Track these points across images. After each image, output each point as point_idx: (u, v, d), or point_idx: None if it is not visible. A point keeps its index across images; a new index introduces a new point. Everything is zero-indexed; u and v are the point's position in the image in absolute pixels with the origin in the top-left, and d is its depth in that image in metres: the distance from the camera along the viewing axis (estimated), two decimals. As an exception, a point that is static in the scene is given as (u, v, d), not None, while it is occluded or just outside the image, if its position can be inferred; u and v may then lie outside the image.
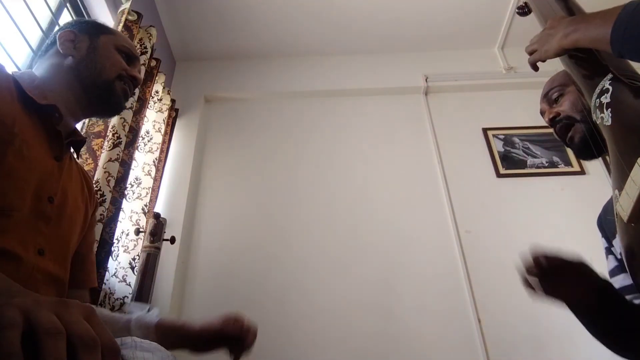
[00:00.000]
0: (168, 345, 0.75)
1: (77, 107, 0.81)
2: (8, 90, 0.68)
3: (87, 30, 0.85)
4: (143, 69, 1.70)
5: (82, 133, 1.38)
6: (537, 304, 1.78)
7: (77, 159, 0.88)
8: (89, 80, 0.80)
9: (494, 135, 2.28)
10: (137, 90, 1.60)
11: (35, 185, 0.66)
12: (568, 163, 2.18)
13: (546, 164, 2.19)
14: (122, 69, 0.85)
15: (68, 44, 0.82)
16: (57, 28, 0.89)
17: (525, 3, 1.04)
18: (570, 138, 0.92)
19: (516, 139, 2.27)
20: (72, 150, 0.83)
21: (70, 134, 0.80)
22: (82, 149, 1.34)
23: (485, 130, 2.29)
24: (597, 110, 0.73)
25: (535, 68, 0.87)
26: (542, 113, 1.03)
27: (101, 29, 0.88)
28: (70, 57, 0.81)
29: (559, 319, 1.74)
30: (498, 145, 2.25)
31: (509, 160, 2.20)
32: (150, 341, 0.71)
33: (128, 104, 1.52)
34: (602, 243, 1.00)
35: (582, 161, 2.16)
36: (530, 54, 0.86)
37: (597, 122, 0.74)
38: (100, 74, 0.82)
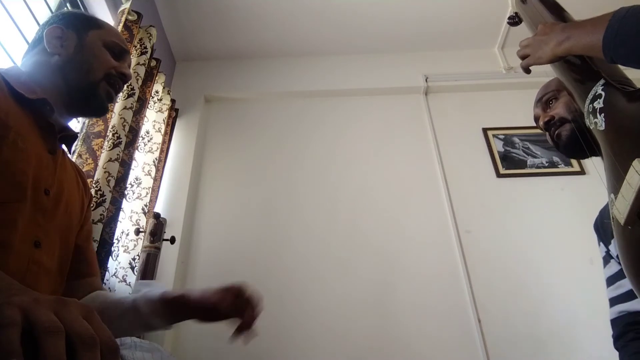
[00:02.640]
0: (173, 317, 0.75)
1: (62, 106, 0.80)
2: None
3: (75, 25, 0.83)
4: (143, 69, 1.70)
5: (82, 133, 1.38)
6: (536, 303, 1.79)
7: (69, 155, 0.87)
8: (75, 81, 0.79)
9: (494, 135, 2.28)
10: (136, 90, 1.61)
11: (32, 177, 0.66)
12: (568, 163, 2.18)
13: (546, 164, 2.19)
14: (110, 68, 0.83)
15: (55, 41, 0.80)
16: (42, 24, 0.86)
17: (516, 13, 1.04)
18: (558, 135, 0.93)
19: (516, 139, 2.27)
20: (64, 146, 0.83)
21: (62, 129, 0.80)
22: (82, 149, 1.34)
23: (485, 130, 2.29)
24: (591, 115, 0.73)
25: (528, 71, 0.88)
26: (537, 118, 1.03)
27: (89, 23, 0.85)
28: (57, 56, 0.79)
29: (559, 319, 1.74)
30: (498, 145, 2.25)
31: (509, 160, 2.20)
32: (156, 316, 0.72)
33: (128, 104, 1.53)
34: (600, 250, 0.99)
35: (582, 161, 2.17)
36: (522, 58, 0.87)
37: (591, 127, 0.74)
38: (87, 75, 0.80)
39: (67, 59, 0.79)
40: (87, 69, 0.80)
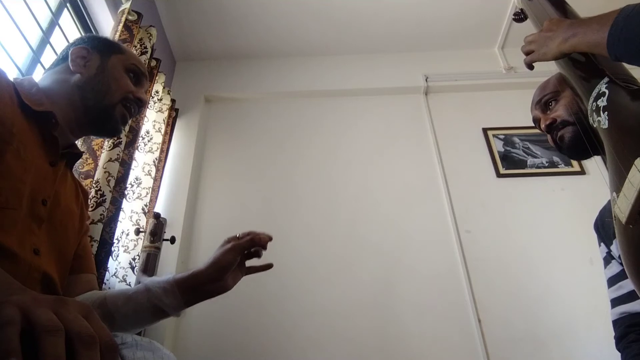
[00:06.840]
0: (187, 297, 0.75)
1: (75, 125, 0.81)
2: (9, 94, 0.69)
3: (99, 48, 0.85)
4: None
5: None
6: (536, 303, 1.79)
7: (72, 172, 0.88)
8: (92, 101, 0.80)
9: (494, 135, 2.28)
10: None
11: (31, 186, 0.67)
12: (568, 163, 2.18)
13: (546, 164, 2.19)
14: (128, 92, 0.85)
15: (79, 60, 0.82)
16: (68, 44, 0.89)
17: (522, 9, 1.04)
18: (560, 137, 0.92)
19: (516, 139, 2.27)
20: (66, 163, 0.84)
21: (68, 146, 0.81)
22: (82, 149, 1.34)
23: (485, 130, 2.29)
24: (594, 113, 0.73)
25: (531, 67, 0.87)
26: (536, 120, 1.02)
27: (113, 48, 0.87)
28: (79, 75, 0.81)
29: (559, 318, 1.74)
30: (498, 145, 2.25)
31: (509, 160, 2.20)
32: (169, 295, 0.72)
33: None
34: (600, 250, 0.99)
35: (582, 161, 2.17)
36: (527, 54, 0.86)
37: (594, 126, 0.74)
38: (105, 97, 0.81)
39: (88, 79, 0.81)
40: (106, 91, 0.82)
